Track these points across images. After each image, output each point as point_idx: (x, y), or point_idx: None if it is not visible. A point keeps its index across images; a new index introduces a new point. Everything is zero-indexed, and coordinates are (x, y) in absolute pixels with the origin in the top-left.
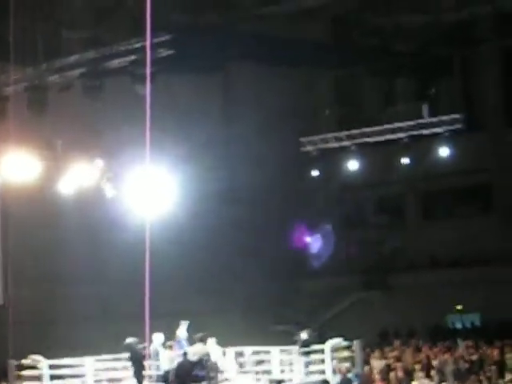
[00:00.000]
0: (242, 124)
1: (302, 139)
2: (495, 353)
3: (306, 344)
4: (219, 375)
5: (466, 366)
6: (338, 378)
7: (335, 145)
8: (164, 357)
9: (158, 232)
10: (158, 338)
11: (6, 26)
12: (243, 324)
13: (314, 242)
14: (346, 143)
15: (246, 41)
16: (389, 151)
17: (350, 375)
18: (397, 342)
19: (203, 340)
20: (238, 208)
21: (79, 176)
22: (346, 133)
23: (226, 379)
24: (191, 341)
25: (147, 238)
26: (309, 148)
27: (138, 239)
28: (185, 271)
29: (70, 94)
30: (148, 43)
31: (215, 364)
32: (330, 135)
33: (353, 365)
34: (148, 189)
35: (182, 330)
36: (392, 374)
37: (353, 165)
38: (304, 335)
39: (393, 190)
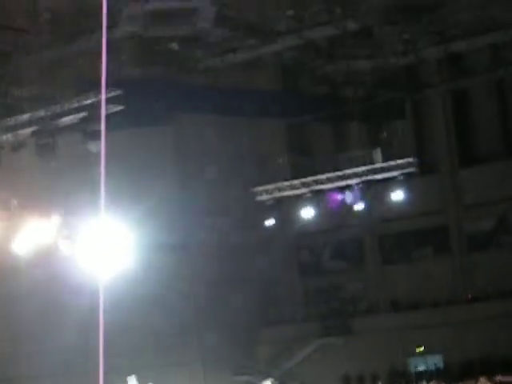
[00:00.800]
0: (196, 176)
1: (257, 189)
2: None
3: None
4: None
5: None
6: None
7: (290, 193)
8: None
9: (114, 288)
10: None
11: None
12: (204, 376)
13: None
14: (300, 191)
15: (195, 92)
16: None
17: None
18: None
19: None
20: (194, 262)
21: (35, 234)
22: (301, 180)
23: None
24: None
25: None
26: (264, 197)
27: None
28: (143, 325)
29: (24, 153)
30: (103, 98)
31: None
32: (284, 183)
33: None
34: (104, 244)
35: None
36: None
37: (308, 212)
38: None
39: (350, 235)
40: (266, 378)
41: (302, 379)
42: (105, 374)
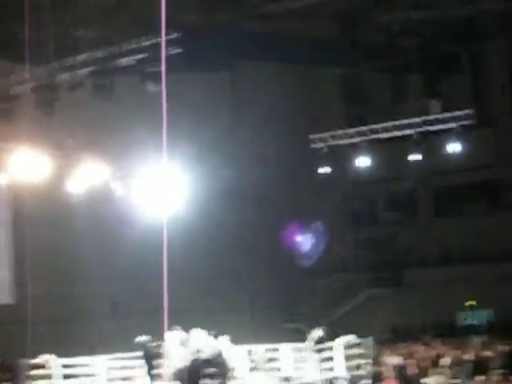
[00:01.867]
0: (251, 122)
1: (312, 136)
2: (509, 349)
3: (317, 341)
4: (231, 373)
5: (479, 362)
6: (350, 375)
7: (345, 141)
8: (176, 355)
9: (168, 230)
10: (172, 335)
11: (17, 25)
12: (253, 322)
13: (305, 242)
14: (356, 140)
15: (253, 39)
16: (399, 147)
17: (361, 372)
18: (409, 339)
19: (215, 338)
20: (247, 207)
21: (89, 175)
22: (356, 129)
23: (238, 377)
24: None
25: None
26: (319, 145)
27: (147, 238)
28: (194, 269)
29: (80, 93)
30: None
31: (227, 362)
32: (339, 132)
33: (365, 362)
34: (158, 187)
35: (195, 336)
36: (404, 371)
37: (363, 161)
38: (316, 333)
39: (404, 186)
40: (314, 326)
41: (351, 329)
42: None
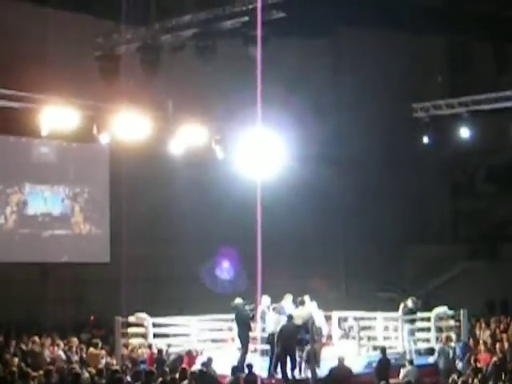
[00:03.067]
0: (351, 88)
1: (414, 105)
2: None
3: (410, 312)
4: (322, 339)
5: None
6: (442, 347)
7: (447, 112)
8: (270, 319)
9: (267, 194)
10: (266, 300)
11: None
12: (347, 290)
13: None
14: (458, 110)
15: (355, 5)
16: (502, 119)
17: (452, 345)
18: (504, 313)
19: (303, 303)
20: (346, 173)
21: (189, 137)
22: (458, 100)
23: (329, 344)
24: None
25: (258, 199)
26: (420, 114)
27: (247, 201)
28: (291, 234)
29: (183, 55)
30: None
31: (319, 328)
32: (441, 102)
33: (458, 334)
34: (257, 151)
35: (286, 303)
36: (497, 345)
37: (464, 132)
38: (409, 303)
39: (505, 159)
40: (408, 296)
41: (445, 300)
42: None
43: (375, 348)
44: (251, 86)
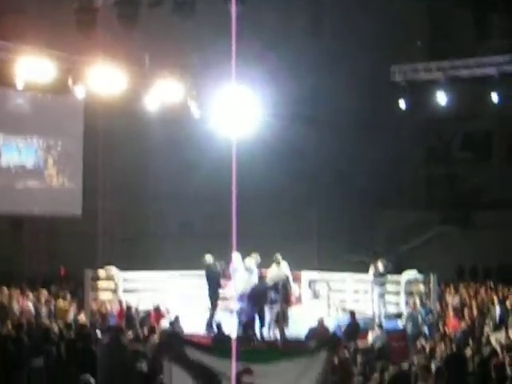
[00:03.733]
0: (330, 49)
1: (392, 68)
2: None
3: (381, 275)
4: (292, 300)
5: None
6: (408, 311)
7: (424, 76)
8: (240, 278)
9: (243, 152)
10: (237, 257)
11: None
12: (317, 251)
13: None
14: (435, 75)
15: None
16: (479, 86)
17: (421, 309)
18: (473, 280)
19: (279, 263)
20: (321, 133)
21: (165, 92)
22: (437, 64)
23: (298, 304)
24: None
25: (234, 156)
26: (398, 77)
27: (222, 158)
28: (265, 193)
29: (161, 10)
30: None
31: (289, 288)
32: (419, 65)
33: (423, 299)
34: (233, 108)
35: (252, 261)
36: (466, 311)
37: (441, 98)
38: (380, 265)
39: (480, 126)
40: (379, 258)
41: (416, 265)
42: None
43: (344, 310)
44: (229, 43)
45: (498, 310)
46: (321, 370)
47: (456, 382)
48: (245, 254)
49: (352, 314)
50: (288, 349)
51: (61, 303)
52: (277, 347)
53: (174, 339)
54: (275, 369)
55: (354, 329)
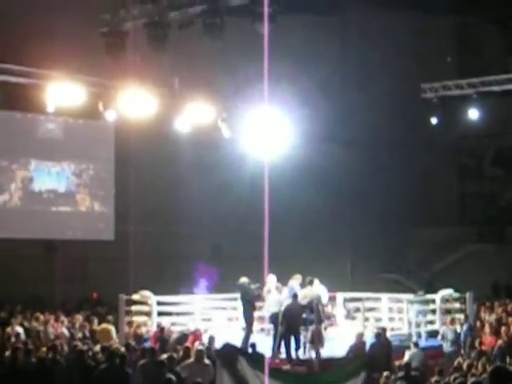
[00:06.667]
0: (359, 67)
1: (423, 86)
2: None
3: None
4: (327, 320)
5: None
6: (444, 329)
7: (456, 92)
8: (271, 299)
9: (274, 174)
10: (273, 279)
11: None
12: (352, 271)
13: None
14: (466, 91)
15: None
16: (510, 101)
17: (457, 327)
18: (509, 297)
19: (311, 283)
20: (352, 153)
21: (195, 115)
22: (468, 81)
23: (334, 324)
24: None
25: (266, 179)
26: (429, 95)
27: (253, 180)
28: (297, 215)
29: (190, 32)
30: None
31: (323, 308)
32: (450, 82)
33: (464, 317)
34: (264, 130)
35: (295, 282)
36: (503, 329)
37: (473, 114)
38: (412, 284)
39: None
40: (414, 278)
41: (450, 283)
42: (254, 260)
43: (378, 329)
44: (258, 64)
45: None
46: None
47: None
48: (279, 276)
49: (380, 334)
50: (326, 373)
51: (105, 326)
52: (314, 371)
53: (231, 347)
54: None
55: (383, 348)
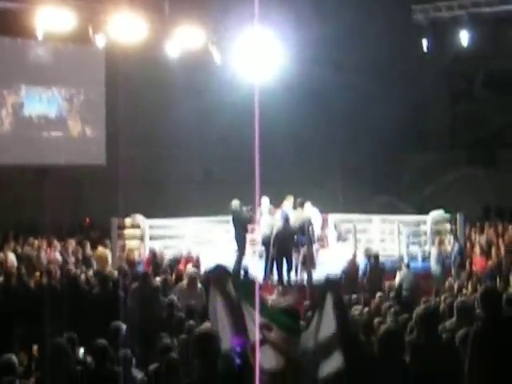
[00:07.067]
0: None
1: (414, 7)
2: None
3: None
4: (318, 242)
5: None
6: (435, 250)
7: (447, 14)
8: (265, 221)
9: (265, 97)
10: (266, 201)
11: None
12: (343, 195)
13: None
14: (458, 13)
15: None
16: (503, 24)
17: (448, 248)
18: (499, 219)
19: (302, 205)
20: (345, 75)
21: (185, 39)
22: (459, 2)
23: (325, 246)
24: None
25: (256, 101)
26: (419, 16)
27: (244, 103)
28: (289, 138)
29: None
30: None
31: (315, 230)
32: (441, 3)
33: (454, 238)
34: (255, 53)
35: (288, 204)
36: (493, 250)
37: (464, 36)
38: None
39: (505, 65)
40: (406, 200)
41: (442, 205)
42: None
43: (368, 253)
44: None
45: None
46: (333, 315)
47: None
48: (271, 199)
49: (375, 257)
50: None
51: (101, 250)
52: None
53: (222, 268)
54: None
55: (378, 273)
